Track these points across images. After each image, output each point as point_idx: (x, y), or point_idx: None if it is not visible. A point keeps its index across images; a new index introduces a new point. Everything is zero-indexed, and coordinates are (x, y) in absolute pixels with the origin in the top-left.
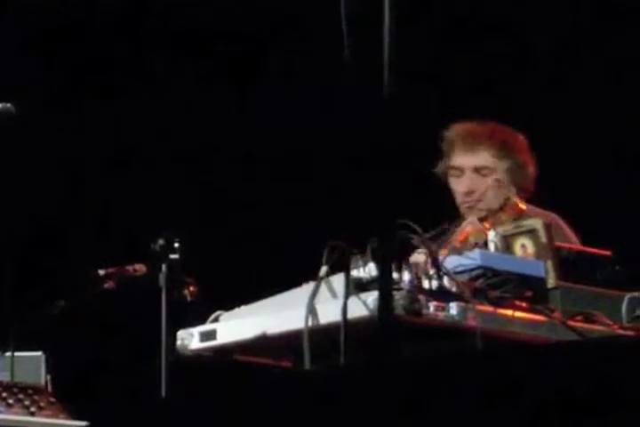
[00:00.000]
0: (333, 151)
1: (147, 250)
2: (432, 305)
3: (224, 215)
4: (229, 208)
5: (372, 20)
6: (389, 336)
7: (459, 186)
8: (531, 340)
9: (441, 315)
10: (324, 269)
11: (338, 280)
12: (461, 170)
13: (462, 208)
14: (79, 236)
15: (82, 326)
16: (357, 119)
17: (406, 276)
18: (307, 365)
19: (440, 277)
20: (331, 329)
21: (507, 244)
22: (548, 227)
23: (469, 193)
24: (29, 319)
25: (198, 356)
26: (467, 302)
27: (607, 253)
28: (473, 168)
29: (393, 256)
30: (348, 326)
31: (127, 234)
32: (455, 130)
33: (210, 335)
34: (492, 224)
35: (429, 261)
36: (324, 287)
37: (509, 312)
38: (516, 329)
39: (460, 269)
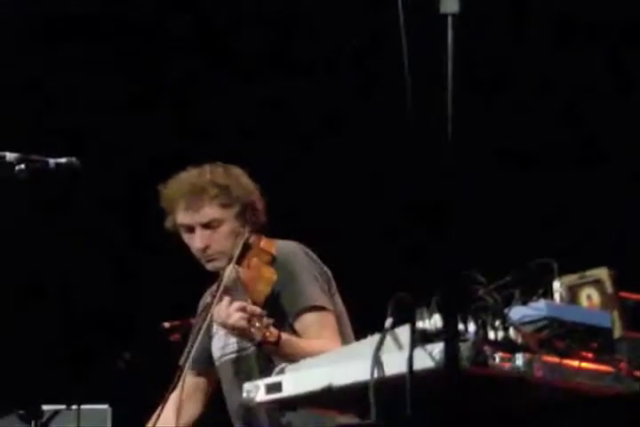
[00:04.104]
0: (397, 204)
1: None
2: (498, 356)
3: None
4: None
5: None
6: (456, 388)
7: (193, 242)
8: (597, 391)
9: (507, 366)
10: (389, 321)
11: (403, 332)
12: (190, 227)
13: (202, 262)
14: (146, 288)
15: (148, 379)
16: (422, 172)
17: (471, 327)
18: (372, 417)
19: (505, 329)
20: (396, 381)
21: (572, 294)
22: (613, 277)
23: (206, 248)
24: (95, 372)
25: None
26: (533, 353)
27: None
28: (202, 224)
29: (458, 307)
30: (414, 378)
31: (193, 287)
32: (173, 187)
33: (275, 387)
34: (248, 268)
35: (495, 312)
36: (389, 339)
37: (576, 363)
38: (582, 380)
39: (525, 319)
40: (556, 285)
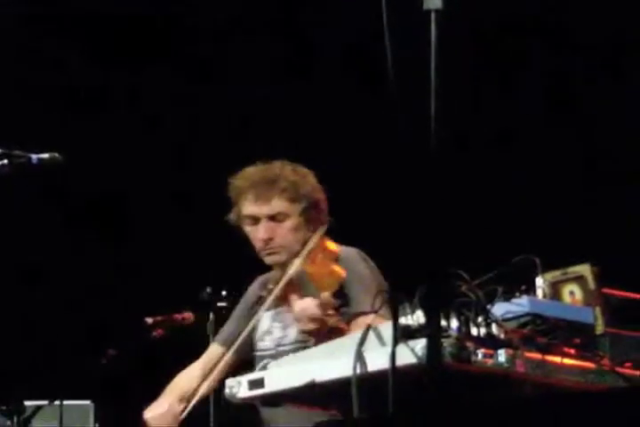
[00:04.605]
0: (382, 199)
1: (195, 298)
2: (480, 352)
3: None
4: None
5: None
6: (438, 383)
7: (257, 234)
8: (579, 387)
9: (489, 362)
10: (371, 317)
11: (386, 328)
12: (256, 218)
13: (262, 255)
14: (128, 284)
15: (131, 375)
16: (407, 167)
17: (454, 323)
18: (355, 413)
19: (488, 325)
20: (379, 377)
21: (555, 290)
22: (596, 273)
23: (269, 240)
24: (79, 368)
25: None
26: (515, 348)
27: None
28: (268, 216)
29: (441, 304)
30: (397, 374)
31: (175, 282)
32: (243, 177)
33: (258, 383)
34: (313, 263)
35: (478, 308)
36: (372, 335)
37: (558, 359)
38: (564, 376)
39: (508, 315)
40: (539, 281)
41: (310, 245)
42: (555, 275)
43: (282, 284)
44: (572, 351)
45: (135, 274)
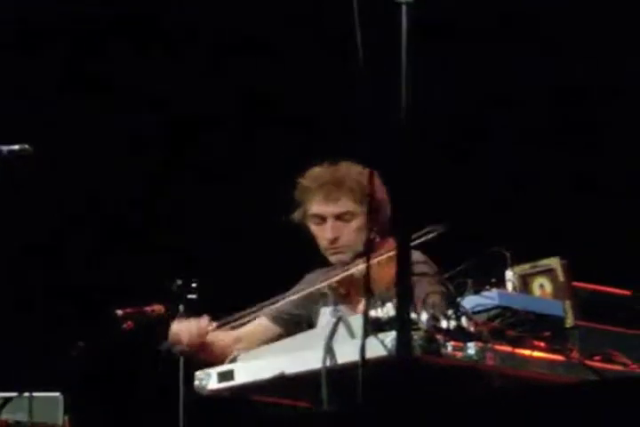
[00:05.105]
0: None
1: (165, 290)
2: (450, 345)
3: (243, 254)
4: (249, 245)
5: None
6: (407, 376)
7: (323, 233)
8: (549, 380)
9: (459, 355)
10: (342, 310)
11: (356, 320)
12: (323, 218)
13: (327, 254)
14: (98, 277)
15: (100, 367)
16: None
17: (424, 316)
18: (324, 405)
19: (458, 317)
20: (349, 369)
21: (525, 283)
22: (566, 267)
23: (335, 240)
24: (49, 360)
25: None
26: (485, 341)
27: (626, 292)
28: (335, 215)
29: (411, 296)
30: (366, 366)
31: (145, 274)
32: (311, 177)
33: (227, 376)
34: (378, 264)
35: (447, 300)
36: (341, 328)
37: (527, 352)
38: (534, 369)
39: (477, 308)
40: (509, 274)
41: (388, 254)
42: (524, 268)
43: (340, 277)
44: (542, 344)
45: (105, 266)
